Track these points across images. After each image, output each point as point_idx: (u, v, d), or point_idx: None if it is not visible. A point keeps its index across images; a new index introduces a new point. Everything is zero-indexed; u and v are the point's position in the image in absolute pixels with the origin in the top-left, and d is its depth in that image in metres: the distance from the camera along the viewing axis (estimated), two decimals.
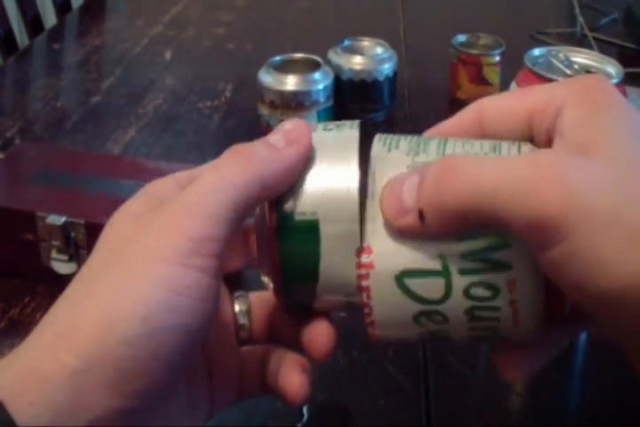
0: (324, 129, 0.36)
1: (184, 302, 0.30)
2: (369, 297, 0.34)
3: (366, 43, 0.89)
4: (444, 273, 0.33)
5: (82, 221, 0.58)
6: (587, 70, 0.52)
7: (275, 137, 0.35)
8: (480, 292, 0.33)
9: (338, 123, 0.37)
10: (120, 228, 0.33)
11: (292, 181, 0.34)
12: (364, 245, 0.33)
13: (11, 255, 0.62)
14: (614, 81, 0.50)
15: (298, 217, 0.34)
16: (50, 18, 1.41)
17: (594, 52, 0.54)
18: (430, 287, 0.34)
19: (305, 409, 0.50)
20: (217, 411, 0.38)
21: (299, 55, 0.84)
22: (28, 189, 0.63)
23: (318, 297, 0.36)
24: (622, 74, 0.51)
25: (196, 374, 0.37)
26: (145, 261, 0.31)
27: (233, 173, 0.32)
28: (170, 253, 0.31)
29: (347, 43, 0.88)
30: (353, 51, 0.86)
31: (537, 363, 0.37)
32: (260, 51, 1.04)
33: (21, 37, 1.31)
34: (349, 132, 0.36)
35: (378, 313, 0.35)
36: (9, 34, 1.20)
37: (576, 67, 0.52)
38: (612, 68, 0.52)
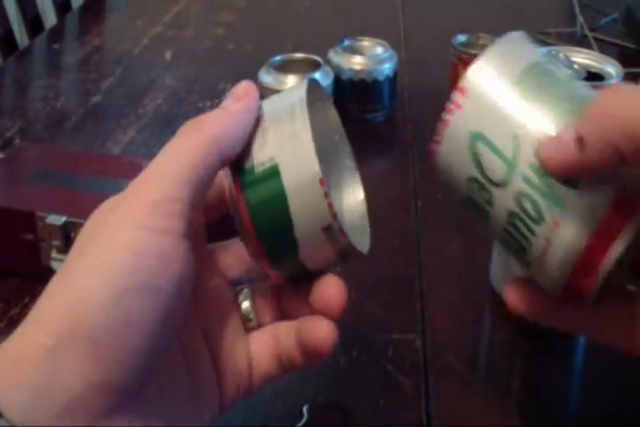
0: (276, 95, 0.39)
1: (145, 262, 0.31)
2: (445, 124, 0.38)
3: (366, 43, 0.89)
4: (510, 165, 0.35)
5: (82, 221, 0.58)
6: (587, 70, 0.52)
7: (225, 101, 0.37)
8: (528, 207, 0.34)
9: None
10: (95, 218, 0.34)
11: (244, 135, 0.36)
12: (461, 84, 0.37)
13: (11, 255, 0.62)
14: (614, 81, 0.50)
15: (258, 169, 0.35)
16: (50, 18, 1.41)
17: (594, 52, 0.54)
18: (493, 166, 0.36)
19: (305, 409, 0.50)
20: (228, 406, 0.38)
21: (299, 55, 0.84)
22: (27, 189, 0.63)
23: (302, 246, 0.35)
24: (622, 74, 0.51)
25: (199, 367, 0.37)
26: (111, 233, 0.32)
27: (188, 139, 0.35)
28: (132, 218, 0.32)
29: (347, 43, 0.88)
30: (353, 51, 0.86)
31: (543, 312, 0.39)
32: (260, 51, 1.04)
33: (21, 37, 1.31)
34: (297, 90, 0.37)
35: (444, 146, 0.39)
36: (9, 34, 1.20)
37: (576, 67, 0.52)
38: (612, 68, 0.52)
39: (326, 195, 0.34)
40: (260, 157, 0.35)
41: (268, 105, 0.37)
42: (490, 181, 0.36)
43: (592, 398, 0.52)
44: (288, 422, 0.49)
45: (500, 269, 0.59)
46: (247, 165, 0.35)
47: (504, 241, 0.37)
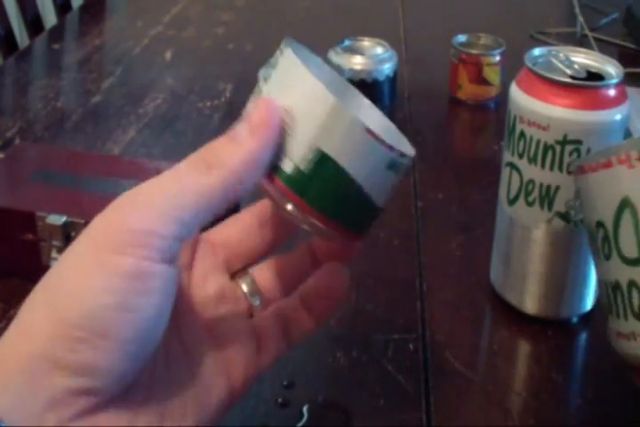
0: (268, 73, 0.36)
1: (115, 282, 0.31)
2: None
3: (366, 43, 0.89)
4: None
5: (82, 221, 0.58)
6: (587, 70, 0.52)
7: (239, 128, 0.34)
8: None
9: (271, 62, 0.37)
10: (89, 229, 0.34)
11: (258, 173, 0.34)
12: None
13: (11, 255, 0.62)
14: (614, 81, 0.50)
15: (304, 165, 0.34)
16: (50, 18, 1.41)
17: (594, 52, 0.54)
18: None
19: (305, 409, 0.50)
20: (239, 392, 0.38)
21: None
22: (27, 189, 0.63)
23: (373, 196, 0.37)
24: (622, 74, 0.51)
25: (199, 360, 0.37)
26: (85, 251, 0.32)
27: (193, 177, 0.33)
28: (108, 243, 0.32)
29: (347, 43, 0.88)
30: (353, 51, 0.86)
31: None
32: (259, 51, 1.04)
33: (21, 37, 1.31)
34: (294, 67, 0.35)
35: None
36: (9, 34, 1.20)
37: (576, 67, 0.52)
38: (612, 68, 0.52)
39: (381, 141, 0.34)
40: (298, 154, 0.34)
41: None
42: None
43: (592, 398, 0.52)
44: (288, 422, 0.49)
45: (500, 269, 0.59)
46: (286, 167, 0.34)
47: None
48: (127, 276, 0.31)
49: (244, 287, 0.40)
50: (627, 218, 0.40)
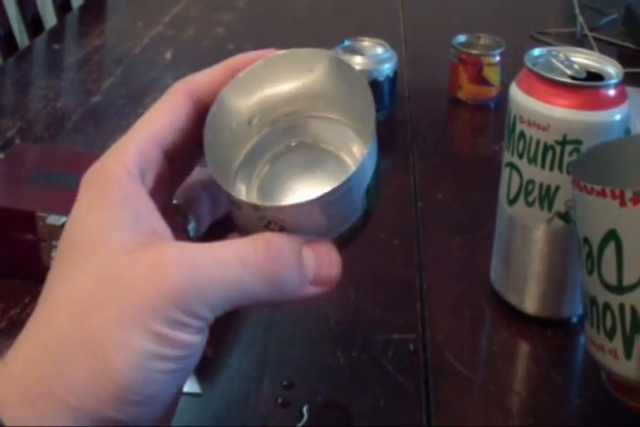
0: None
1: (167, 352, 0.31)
2: None
3: (366, 43, 0.89)
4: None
5: None
6: (587, 70, 0.52)
7: (307, 268, 0.34)
8: None
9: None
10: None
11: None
12: None
13: (11, 255, 0.62)
14: (614, 81, 0.50)
15: None
16: (50, 18, 1.41)
17: (594, 52, 0.54)
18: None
19: (305, 409, 0.50)
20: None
21: None
22: (28, 189, 0.63)
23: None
24: (622, 74, 0.51)
25: None
26: (133, 317, 0.31)
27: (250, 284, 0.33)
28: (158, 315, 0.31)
29: (347, 43, 0.88)
30: (353, 51, 0.86)
31: None
32: None
33: (21, 37, 1.31)
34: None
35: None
36: (9, 34, 1.20)
37: (576, 67, 0.52)
38: (612, 68, 0.52)
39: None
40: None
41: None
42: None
43: (592, 398, 0.52)
44: (288, 422, 0.49)
45: (500, 269, 0.59)
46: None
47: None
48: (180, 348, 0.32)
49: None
50: (611, 248, 0.40)
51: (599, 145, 0.46)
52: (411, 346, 0.55)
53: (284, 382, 0.52)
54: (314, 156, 0.39)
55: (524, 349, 0.57)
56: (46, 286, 0.33)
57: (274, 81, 0.39)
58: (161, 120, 0.37)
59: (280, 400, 0.50)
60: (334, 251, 0.35)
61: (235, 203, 0.35)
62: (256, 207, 0.34)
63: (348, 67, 0.38)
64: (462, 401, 0.51)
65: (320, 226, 0.34)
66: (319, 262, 0.34)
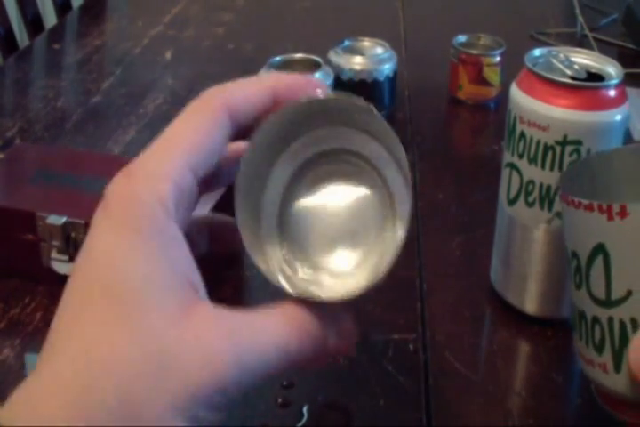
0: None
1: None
2: None
3: (366, 43, 0.89)
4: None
5: (82, 221, 0.58)
6: (587, 71, 0.52)
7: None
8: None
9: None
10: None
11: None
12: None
13: (11, 255, 0.62)
14: (614, 81, 0.50)
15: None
16: (50, 18, 1.41)
17: (594, 53, 0.54)
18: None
19: (305, 409, 0.50)
20: None
21: (299, 55, 0.84)
22: (28, 189, 0.63)
23: None
24: (622, 74, 0.51)
25: None
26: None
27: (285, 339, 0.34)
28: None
29: (347, 43, 0.88)
30: (353, 51, 0.86)
31: None
32: (260, 51, 1.04)
33: (21, 37, 1.31)
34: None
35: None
36: (9, 34, 1.20)
37: (576, 67, 0.52)
38: (612, 69, 0.52)
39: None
40: None
41: None
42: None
43: (592, 398, 0.52)
44: (288, 422, 0.49)
45: (500, 269, 0.59)
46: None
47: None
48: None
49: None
50: (599, 262, 0.39)
51: (585, 159, 0.47)
52: (411, 346, 0.55)
53: (284, 382, 0.52)
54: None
55: (523, 349, 0.57)
56: (77, 322, 0.31)
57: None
58: (198, 141, 0.34)
59: (280, 400, 0.50)
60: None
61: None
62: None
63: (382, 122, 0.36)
64: (462, 401, 0.51)
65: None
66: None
